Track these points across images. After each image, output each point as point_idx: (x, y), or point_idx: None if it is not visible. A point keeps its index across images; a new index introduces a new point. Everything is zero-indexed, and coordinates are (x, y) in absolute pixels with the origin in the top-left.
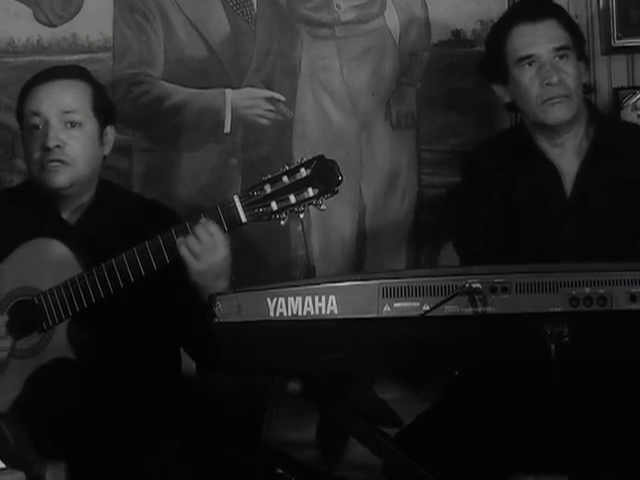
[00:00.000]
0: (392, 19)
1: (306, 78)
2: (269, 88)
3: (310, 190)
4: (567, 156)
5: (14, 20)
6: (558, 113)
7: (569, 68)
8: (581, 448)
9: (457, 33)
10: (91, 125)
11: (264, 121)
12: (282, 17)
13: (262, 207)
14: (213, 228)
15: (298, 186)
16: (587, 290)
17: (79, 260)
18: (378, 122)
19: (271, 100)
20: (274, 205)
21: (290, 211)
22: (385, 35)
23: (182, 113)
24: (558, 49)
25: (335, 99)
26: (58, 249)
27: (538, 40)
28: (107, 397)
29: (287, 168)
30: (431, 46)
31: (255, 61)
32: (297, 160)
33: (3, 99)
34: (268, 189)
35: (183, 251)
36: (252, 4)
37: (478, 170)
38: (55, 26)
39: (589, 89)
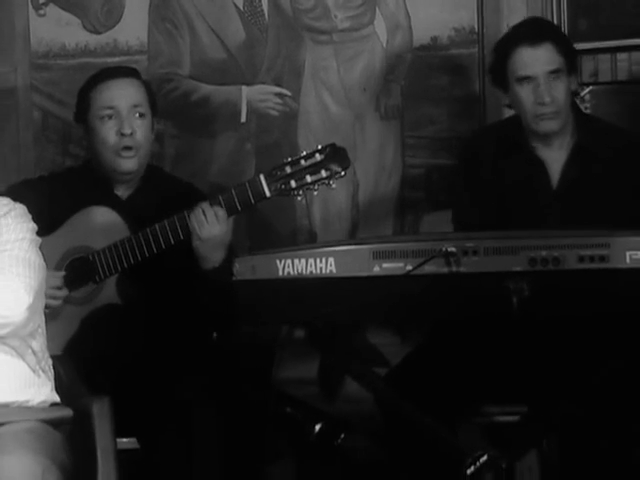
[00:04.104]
0: (380, 27)
1: (309, 76)
2: (278, 85)
3: (323, 172)
4: (554, 153)
5: (65, 28)
6: (549, 126)
7: (560, 87)
8: (538, 383)
9: (435, 39)
10: (149, 116)
11: (274, 112)
12: (289, 26)
13: (283, 184)
14: (220, 211)
15: (313, 168)
16: (543, 253)
17: (127, 225)
18: (369, 113)
19: (280, 95)
20: (293, 183)
21: (306, 189)
22: (375, 40)
23: (205, 106)
24: (552, 72)
25: (333, 94)
26: (110, 215)
27: (535, 63)
28: (148, 338)
29: (305, 153)
30: (413, 49)
31: (266, 62)
32: (315, 146)
33: (57, 94)
34: (288, 169)
35: (190, 220)
36: (264, 15)
37: (473, 154)
38: (100, 33)
39: (576, 93)
